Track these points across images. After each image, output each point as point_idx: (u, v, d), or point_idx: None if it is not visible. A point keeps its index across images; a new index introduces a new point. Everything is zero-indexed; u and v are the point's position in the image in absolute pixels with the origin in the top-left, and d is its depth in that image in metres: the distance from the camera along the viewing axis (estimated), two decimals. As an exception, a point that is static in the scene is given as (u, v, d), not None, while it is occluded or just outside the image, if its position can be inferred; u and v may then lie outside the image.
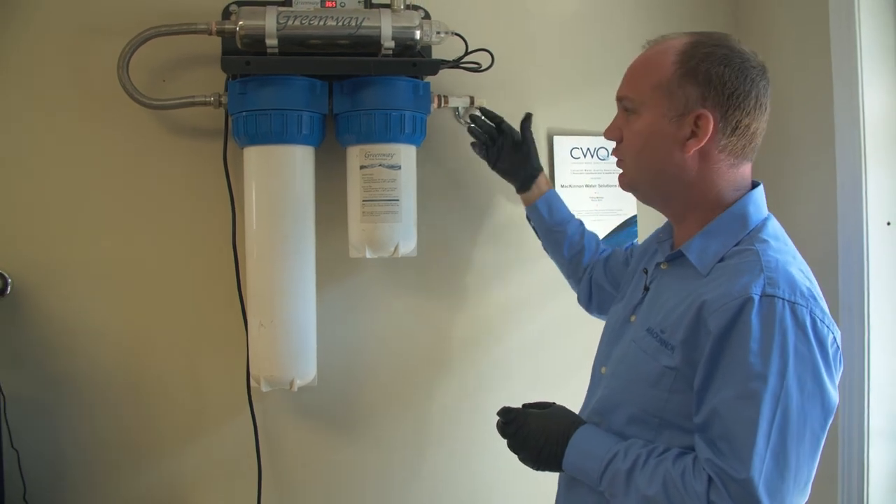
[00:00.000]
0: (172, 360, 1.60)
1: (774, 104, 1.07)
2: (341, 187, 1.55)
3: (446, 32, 1.53)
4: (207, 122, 1.57)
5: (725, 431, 0.92)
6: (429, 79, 1.55)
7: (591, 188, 1.75)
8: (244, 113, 1.45)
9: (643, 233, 1.72)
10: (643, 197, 1.13)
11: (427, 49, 1.56)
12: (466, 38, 1.56)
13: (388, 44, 1.46)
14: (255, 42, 1.43)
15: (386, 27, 1.46)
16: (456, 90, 1.65)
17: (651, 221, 1.62)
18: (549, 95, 1.74)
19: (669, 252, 1.12)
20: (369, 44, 1.47)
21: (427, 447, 1.71)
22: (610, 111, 1.16)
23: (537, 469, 1.11)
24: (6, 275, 1.52)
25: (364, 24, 1.45)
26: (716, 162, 1.04)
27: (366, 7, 1.52)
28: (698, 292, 0.99)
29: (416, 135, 1.52)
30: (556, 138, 1.73)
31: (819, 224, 1.53)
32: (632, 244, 1.43)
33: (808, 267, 1.03)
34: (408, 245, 1.53)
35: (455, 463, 1.72)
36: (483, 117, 1.57)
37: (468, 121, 1.59)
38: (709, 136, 1.01)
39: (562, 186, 1.73)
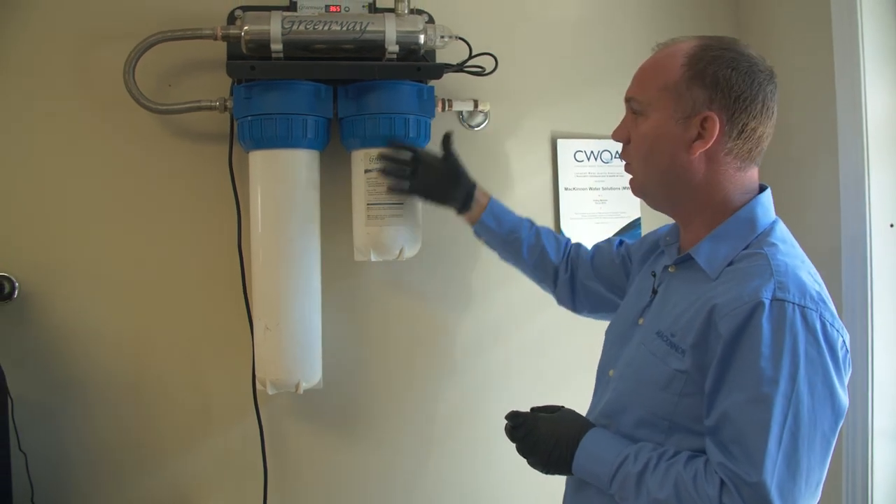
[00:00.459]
0: (178, 362, 1.61)
1: (777, 108, 1.07)
2: (346, 191, 1.56)
3: (450, 37, 1.54)
4: (213, 127, 1.58)
5: (737, 435, 0.93)
6: (433, 83, 1.56)
7: (595, 191, 1.75)
8: (249, 117, 1.46)
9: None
10: (652, 202, 1.13)
11: (431, 53, 1.57)
12: (470, 42, 1.58)
13: (393, 48, 1.47)
14: (260, 47, 1.44)
15: (390, 32, 1.46)
16: (460, 94, 1.66)
17: (655, 224, 1.63)
18: (552, 98, 1.75)
19: (677, 255, 1.13)
20: (373, 48, 1.48)
21: (431, 449, 1.71)
22: (613, 114, 1.16)
23: (546, 473, 1.11)
24: (13, 278, 1.53)
25: (368, 28, 1.46)
26: (722, 165, 1.04)
27: (370, 12, 1.53)
28: (708, 296, 1.00)
29: (420, 138, 1.53)
30: (559, 141, 1.74)
31: (822, 226, 1.53)
32: (621, 240, 1.41)
33: (816, 270, 1.04)
34: (413, 248, 1.54)
35: (459, 464, 1.72)
36: (391, 153, 1.47)
37: (375, 165, 1.47)
38: (714, 138, 1.02)
39: (565, 189, 1.74)
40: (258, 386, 1.53)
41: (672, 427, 1.02)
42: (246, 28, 1.44)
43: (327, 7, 1.50)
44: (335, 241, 1.59)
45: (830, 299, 0.99)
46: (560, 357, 1.72)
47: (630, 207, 1.77)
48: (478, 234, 1.48)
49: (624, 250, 1.37)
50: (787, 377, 0.91)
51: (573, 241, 1.47)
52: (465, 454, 1.72)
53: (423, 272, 1.68)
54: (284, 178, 1.48)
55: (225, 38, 1.47)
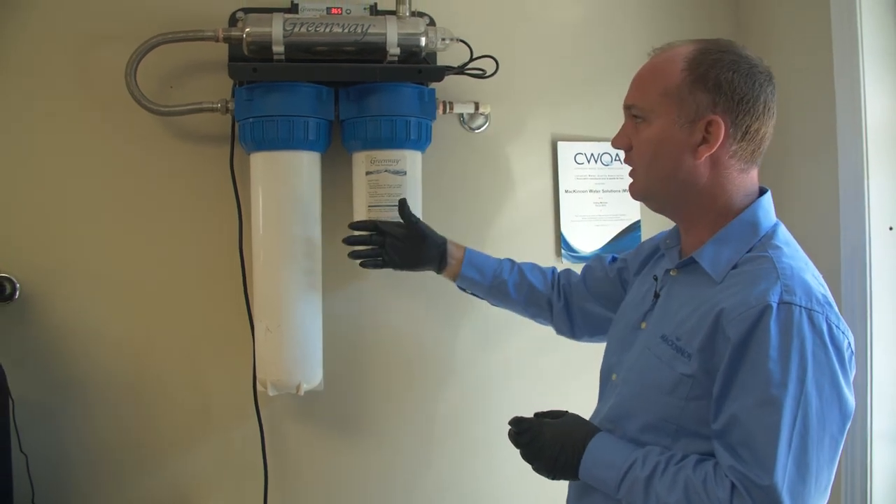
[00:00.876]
0: (179, 363, 1.61)
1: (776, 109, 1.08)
2: (347, 193, 1.56)
3: (451, 39, 1.54)
4: (214, 129, 1.59)
5: (746, 438, 0.93)
6: (434, 85, 1.57)
7: (595, 193, 1.76)
8: (251, 119, 1.46)
9: (647, 237, 1.73)
10: (654, 205, 1.13)
11: (432, 56, 1.57)
12: (471, 45, 1.58)
13: (394, 50, 1.48)
14: (262, 49, 1.45)
15: (391, 34, 1.47)
16: (461, 96, 1.66)
17: (655, 227, 1.63)
18: (553, 101, 1.75)
19: (678, 259, 1.12)
20: (375, 50, 1.48)
21: (432, 450, 1.72)
22: (613, 116, 1.16)
23: (552, 478, 1.10)
24: (14, 279, 1.54)
25: (370, 30, 1.47)
26: (726, 167, 1.04)
27: (371, 14, 1.53)
28: (714, 300, 1.00)
29: (421, 141, 1.53)
30: (560, 144, 1.75)
31: (821, 229, 1.53)
32: (614, 256, 1.39)
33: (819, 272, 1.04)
34: (414, 250, 1.54)
35: (459, 466, 1.72)
36: (356, 232, 1.46)
37: (348, 245, 1.45)
38: (720, 141, 1.02)
39: (566, 191, 1.74)
40: (259, 387, 1.54)
41: (679, 431, 1.02)
42: (248, 30, 1.44)
43: (329, 9, 1.51)
44: (336, 243, 1.59)
45: (835, 302, 0.99)
46: (560, 359, 1.72)
47: (630, 210, 1.77)
48: (462, 287, 1.46)
49: (620, 263, 1.36)
50: (795, 380, 0.92)
51: (563, 262, 1.45)
52: (465, 455, 1.72)
53: (423, 274, 1.68)
54: (286, 179, 1.49)
55: (227, 39, 1.48)
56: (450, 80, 1.57)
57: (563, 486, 1.19)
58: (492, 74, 1.59)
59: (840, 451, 0.96)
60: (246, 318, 1.57)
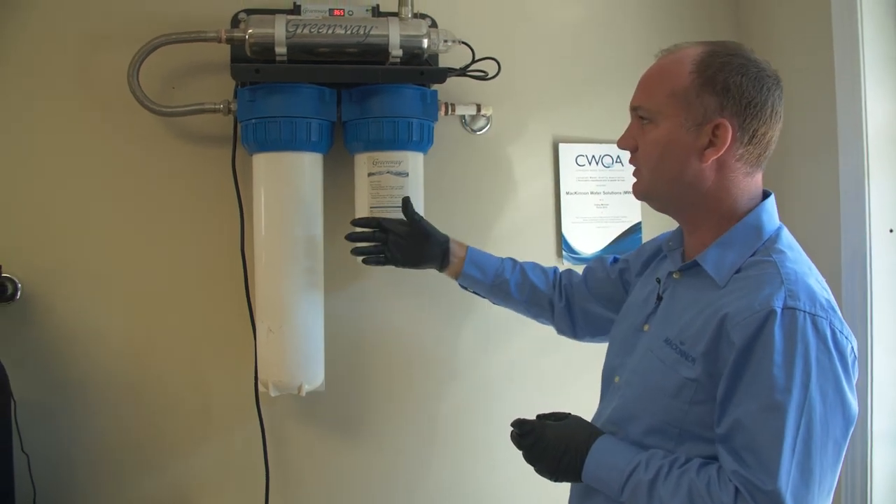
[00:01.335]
0: (180, 364, 1.61)
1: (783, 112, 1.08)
2: (349, 194, 1.56)
3: (453, 41, 1.54)
4: (216, 129, 1.59)
5: (750, 443, 0.93)
6: (436, 87, 1.57)
7: (597, 195, 1.76)
8: (253, 120, 1.47)
9: (647, 239, 1.74)
10: (657, 205, 1.13)
11: (434, 57, 1.57)
12: (473, 47, 1.58)
13: (396, 52, 1.48)
14: (265, 50, 1.45)
15: (394, 36, 1.47)
16: (463, 98, 1.66)
17: (656, 228, 1.64)
18: (554, 103, 1.75)
19: (681, 261, 1.13)
20: (377, 52, 1.48)
21: (433, 451, 1.72)
22: (614, 118, 1.16)
23: (555, 480, 1.10)
24: (15, 279, 1.54)
25: (372, 32, 1.47)
26: (732, 171, 1.04)
27: (374, 16, 1.53)
28: (718, 304, 1.00)
29: (423, 142, 1.54)
30: (561, 146, 1.75)
31: (822, 231, 1.54)
32: (615, 257, 1.40)
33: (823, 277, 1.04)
34: (415, 251, 1.54)
35: (461, 467, 1.73)
36: (359, 229, 1.45)
37: (350, 241, 1.45)
38: (727, 145, 1.02)
39: (567, 193, 1.75)
40: (260, 388, 1.54)
41: (682, 434, 1.02)
42: (250, 31, 1.45)
43: (331, 11, 1.51)
44: (338, 244, 1.60)
45: (838, 306, 1.00)
46: (562, 359, 1.72)
47: (631, 212, 1.77)
48: (464, 286, 1.46)
49: (621, 264, 1.36)
50: (799, 385, 0.92)
51: (564, 264, 1.45)
52: (467, 456, 1.73)
53: (425, 274, 1.68)
54: (288, 180, 1.49)
55: (229, 40, 1.48)
56: (451, 81, 1.58)
57: (564, 487, 1.19)
58: (494, 76, 1.59)
59: (843, 456, 0.96)
60: (247, 318, 1.57)
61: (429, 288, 1.70)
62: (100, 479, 1.58)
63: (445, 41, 1.53)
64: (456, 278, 1.45)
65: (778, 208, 1.10)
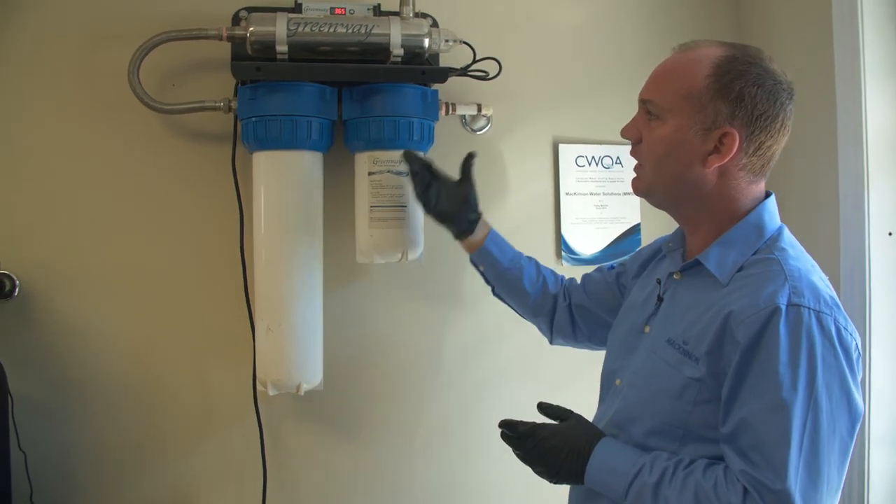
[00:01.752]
0: (179, 363, 1.61)
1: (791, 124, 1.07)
2: (349, 193, 1.56)
3: (454, 41, 1.54)
4: (216, 127, 1.58)
5: (757, 442, 0.93)
6: (436, 86, 1.57)
7: (596, 196, 1.76)
8: (254, 118, 1.46)
9: (647, 241, 1.74)
10: (658, 203, 1.12)
11: (435, 57, 1.57)
12: (474, 47, 1.58)
13: (397, 51, 1.48)
14: (266, 48, 1.45)
15: (395, 35, 1.47)
16: (463, 98, 1.66)
17: (655, 230, 1.64)
18: (554, 103, 1.76)
19: (682, 261, 1.13)
20: (378, 51, 1.48)
21: (432, 450, 1.72)
22: (615, 119, 1.16)
23: (555, 482, 1.10)
24: (14, 276, 1.53)
25: (373, 31, 1.47)
26: (734, 178, 1.04)
27: (375, 14, 1.53)
28: (721, 303, 1.00)
29: (424, 142, 1.54)
30: (561, 146, 1.75)
31: (822, 233, 1.54)
32: (613, 265, 1.40)
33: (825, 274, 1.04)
34: (415, 251, 1.54)
35: (461, 466, 1.73)
36: (413, 155, 1.46)
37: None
38: (732, 154, 1.02)
39: (566, 194, 1.75)
40: (259, 387, 1.53)
41: (686, 435, 1.02)
42: (251, 29, 1.44)
43: (332, 9, 1.51)
44: (338, 243, 1.60)
45: (841, 303, 1.00)
46: (560, 361, 1.72)
47: (630, 213, 1.78)
48: (476, 261, 1.44)
49: (618, 268, 1.36)
50: (805, 383, 0.92)
51: (563, 264, 1.46)
52: (467, 456, 1.73)
53: (424, 275, 1.69)
54: (288, 179, 1.49)
55: (230, 38, 1.48)
56: (452, 81, 1.58)
57: (564, 487, 1.19)
58: (494, 76, 1.59)
59: (850, 454, 0.96)
60: (246, 317, 1.57)
61: (429, 287, 1.70)
62: (97, 476, 1.58)
63: (446, 41, 1.53)
64: (471, 251, 1.44)
65: (779, 211, 1.10)
